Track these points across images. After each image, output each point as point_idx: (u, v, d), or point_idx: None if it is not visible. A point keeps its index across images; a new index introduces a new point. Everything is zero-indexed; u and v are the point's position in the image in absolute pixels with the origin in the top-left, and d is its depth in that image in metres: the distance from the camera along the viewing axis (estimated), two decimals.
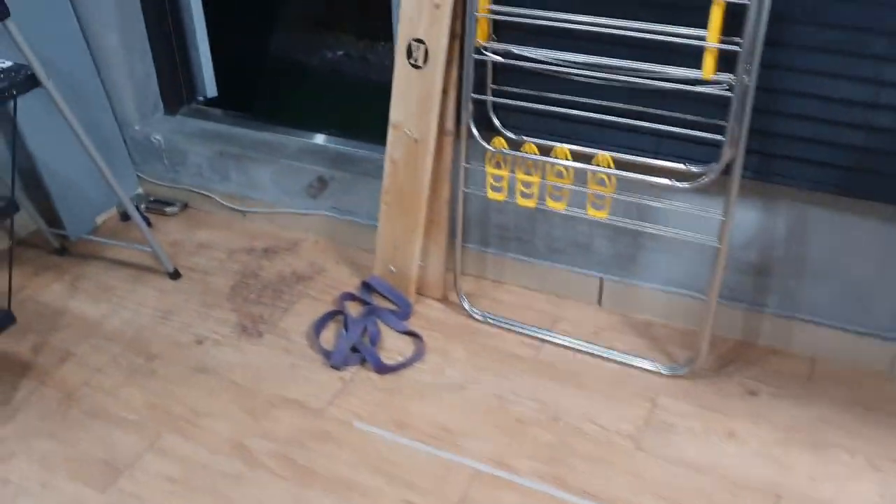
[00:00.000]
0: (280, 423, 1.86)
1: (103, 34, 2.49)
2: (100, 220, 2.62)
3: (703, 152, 1.82)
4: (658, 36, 1.67)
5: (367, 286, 2.27)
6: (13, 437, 1.84)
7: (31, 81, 1.84)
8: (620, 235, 2.08)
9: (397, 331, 2.14)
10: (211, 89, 2.82)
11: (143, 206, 2.66)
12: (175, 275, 2.34)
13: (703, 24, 1.59)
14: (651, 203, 1.95)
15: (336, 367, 2.01)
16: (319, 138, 2.53)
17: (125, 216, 2.62)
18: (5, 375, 2.01)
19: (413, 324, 2.16)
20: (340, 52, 3.79)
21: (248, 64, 3.38)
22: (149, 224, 2.60)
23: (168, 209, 2.64)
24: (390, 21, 2.21)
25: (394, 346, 2.09)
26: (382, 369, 2.00)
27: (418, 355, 2.04)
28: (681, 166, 1.85)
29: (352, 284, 2.32)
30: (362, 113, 3.07)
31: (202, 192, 2.63)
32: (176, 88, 2.71)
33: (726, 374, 1.96)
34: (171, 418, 1.88)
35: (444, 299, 2.25)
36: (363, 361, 2.03)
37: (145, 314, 2.21)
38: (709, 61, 1.65)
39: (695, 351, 1.95)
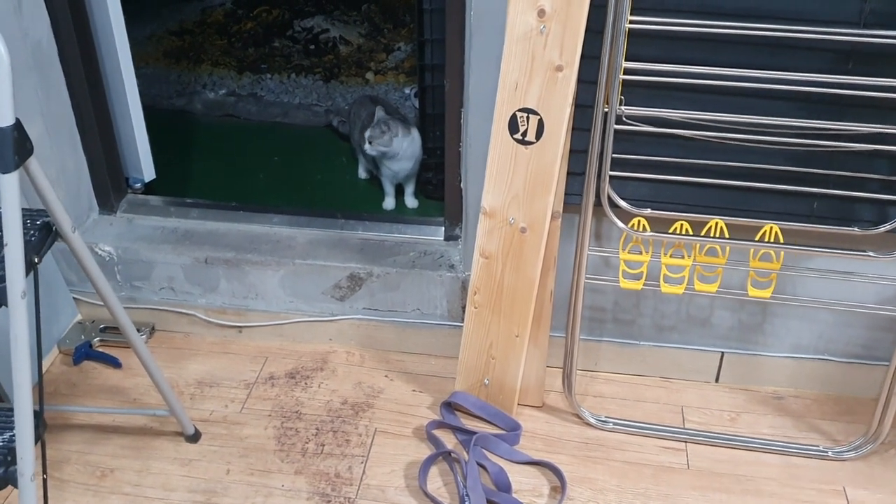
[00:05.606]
0: None
1: (24, 124, 1.82)
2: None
3: (870, 212, 1.60)
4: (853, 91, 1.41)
5: (448, 406, 1.84)
6: None
7: (48, 234, 1.23)
8: (746, 304, 1.82)
9: (514, 461, 1.74)
10: (149, 172, 2.21)
11: (95, 340, 2.02)
12: (195, 436, 1.77)
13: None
14: (827, 277, 1.69)
15: None
16: (336, 224, 2.03)
17: (78, 356, 1.97)
18: None
19: (525, 447, 1.77)
20: (223, 91, 3.24)
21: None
22: (116, 364, 1.97)
23: None
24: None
25: (521, 483, 1.69)
26: None
27: (563, 492, 1.66)
28: (846, 229, 1.61)
29: (423, 404, 1.88)
30: (326, 171, 2.61)
31: (176, 309, 2.04)
32: (114, 177, 2.08)
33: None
34: None
35: (542, 406, 1.88)
36: None
37: (180, 502, 1.64)
38: None
39: (867, 425, 1.74)
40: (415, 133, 2.32)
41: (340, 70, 3.25)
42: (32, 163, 1.15)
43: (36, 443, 1.20)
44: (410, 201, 2.42)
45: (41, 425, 1.22)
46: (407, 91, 3.07)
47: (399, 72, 3.22)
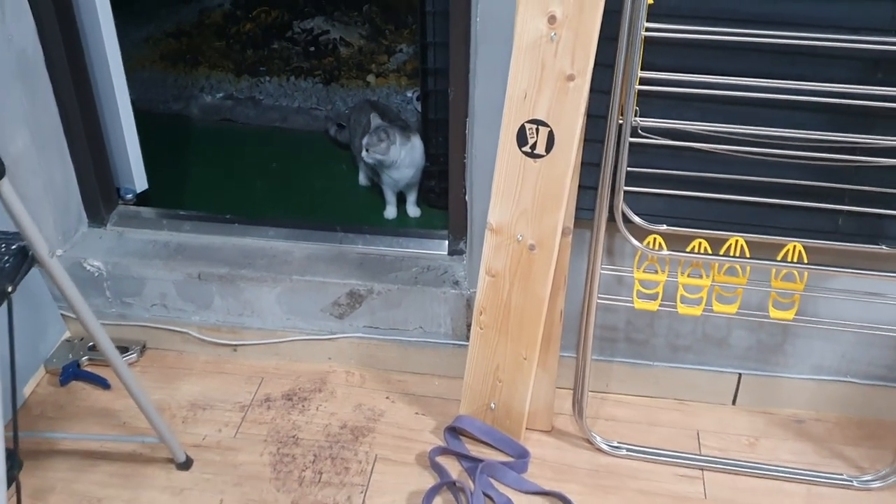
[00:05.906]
0: None
1: (9, 136, 1.74)
2: (27, 389, 1.87)
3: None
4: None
5: (453, 431, 1.75)
6: None
7: (24, 260, 1.15)
8: (766, 324, 1.73)
9: (522, 491, 1.65)
10: (140, 182, 2.13)
11: (84, 359, 1.93)
12: (187, 463, 1.68)
13: None
14: (852, 298, 1.60)
15: None
16: (335, 238, 1.95)
17: (65, 377, 1.89)
18: None
19: (534, 474, 1.69)
20: (220, 95, 3.15)
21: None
22: (104, 384, 1.89)
23: (123, 356, 1.93)
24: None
25: None
26: None
27: None
28: (872, 247, 1.52)
29: (426, 429, 1.79)
30: (326, 178, 2.53)
31: (168, 327, 1.96)
32: (104, 189, 2.00)
33: None
34: None
35: (551, 430, 1.79)
36: None
37: None
38: None
39: (893, 452, 1.65)
40: (415, 140, 2.23)
41: (341, 72, 3.17)
42: (4, 184, 1.07)
43: (9, 486, 1.12)
44: (413, 210, 2.34)
45: (15, 465, 1.14)
46: (409, 94, 2.99)
47: (401, 74, 3.13)
